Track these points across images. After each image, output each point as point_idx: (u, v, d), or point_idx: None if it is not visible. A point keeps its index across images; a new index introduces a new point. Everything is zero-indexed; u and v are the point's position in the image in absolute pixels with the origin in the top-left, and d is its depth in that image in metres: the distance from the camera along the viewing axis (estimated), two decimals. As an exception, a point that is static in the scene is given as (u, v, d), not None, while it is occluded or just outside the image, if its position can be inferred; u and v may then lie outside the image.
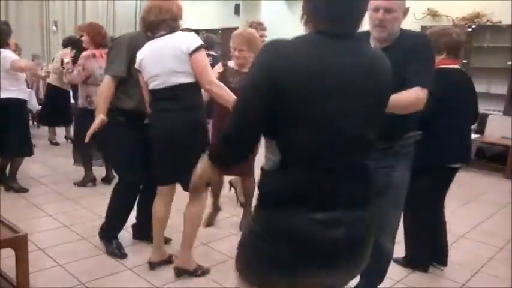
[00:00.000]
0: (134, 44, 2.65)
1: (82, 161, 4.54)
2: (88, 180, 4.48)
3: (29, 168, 4.79)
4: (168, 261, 2.80)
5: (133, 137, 2.80)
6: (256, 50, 3.21)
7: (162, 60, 2.39)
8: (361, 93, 1.23)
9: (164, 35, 2.45)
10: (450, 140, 2.59)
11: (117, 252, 2.96)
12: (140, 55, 2.49)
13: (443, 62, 2.61)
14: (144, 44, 2.52)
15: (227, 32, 10.58)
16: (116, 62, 2.73)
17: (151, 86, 2.48)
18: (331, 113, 1.20)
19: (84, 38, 4.28)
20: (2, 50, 4.03)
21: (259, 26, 4.24)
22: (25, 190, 4.19)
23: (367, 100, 1.25)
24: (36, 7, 10.93)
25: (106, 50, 4.00)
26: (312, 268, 1.26)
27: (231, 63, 3.32)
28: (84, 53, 4.19)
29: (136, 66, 2.52)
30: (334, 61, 1.22)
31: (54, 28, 10.93)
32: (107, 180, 4.57)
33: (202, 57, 2.39)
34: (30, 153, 4.28)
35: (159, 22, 2.44)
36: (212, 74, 2.47)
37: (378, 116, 1.31)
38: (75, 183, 4.45)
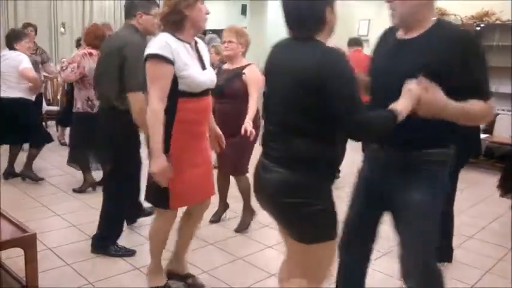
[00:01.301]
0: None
1: (80, 166, 4.36)
2: (88, 185, 4.30)
3: (38, 167, 4.82)
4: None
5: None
6: (245, 42, 3.26)
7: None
8: (282, 83, 1.65)
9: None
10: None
11: (123, 251, 2.98)
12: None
13: None
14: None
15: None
16: (142, 76, 2.45)
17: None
18: (267, 95, 1.77)
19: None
20: (19, 52, 4.33)
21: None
22: (41, 179, 4.49)
23: (286, 91, 1.64)
24: (44, 9, 11.01)
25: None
26: None
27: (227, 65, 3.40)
28: (80, 51, 4.13)
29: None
30: (281, 57, 1.70)
31: (62, 29, 11.01)
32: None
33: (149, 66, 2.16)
34: (50, 139, 4.65)
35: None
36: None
37: (297, 105, 1.61)
38: (74, 190, 4.26)
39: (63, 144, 6.39)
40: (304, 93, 1.57)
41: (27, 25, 5.86)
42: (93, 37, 4.06)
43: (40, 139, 4.55)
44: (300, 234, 1.70)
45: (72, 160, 4.37)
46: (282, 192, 1.66)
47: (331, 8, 1.63)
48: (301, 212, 1.64)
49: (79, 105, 4.11)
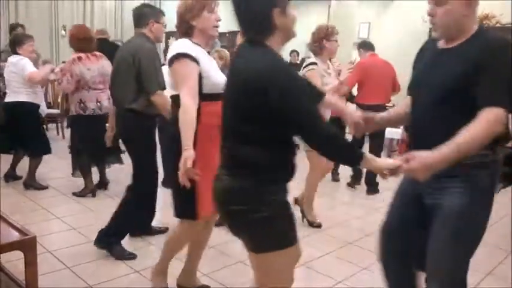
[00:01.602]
0: None
1: (81, 171, 4.30)
2: (88, 191, 4.25)
3: (38, 171, 4.82)
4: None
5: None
6: None
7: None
8: (231, 88, 1.64)
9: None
10: None
11: (126, 254, 2.97)
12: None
13: None
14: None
15: (234, 35, 10.62)
16: (160, 74, 2.89)
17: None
18: (223, 102, 1.69)
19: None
20: (21, 57, 4.25)
21: None
22: (44, 187, 4.39)
23: (233, 95, 1.61)
24: (45, 11, 11.04)
25: (94, 52, 4.07)
26: None
27: None
28: (69, 59, 4.05)
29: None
30: (234, 61, 1.68)
31: (63, 32, 11.02)
32: (101, 185, 4.45)
33: (179, 67, 2.24)
34: (48, 151, 4.47)
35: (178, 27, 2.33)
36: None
37: (242, 112, 1.56)
38: (74, 193, 4.25)
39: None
40: (245, 100, 1.53)
41: (16, 25, 5.85)
42: (77, 40, 4.02)
43: (38, 149, 4.42)
44: (250, 244, 1.65)
45: (76, 166, 4.37)
46: (227, 199, 1.63)
47: (281, 10, 1.53)
48: (247, 220, 1.58)
49: (72, 108, 4.09)
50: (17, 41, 4.43)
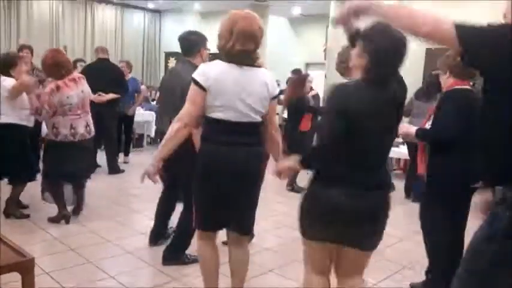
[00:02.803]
0: None
1: (53, 198, 3.97)
2: (61, 218, 3.94)
3: (35, 190, 4.80)
4: None
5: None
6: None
7: (248, 95, 2.16)
8: None
9: (245, 65, 2.17)
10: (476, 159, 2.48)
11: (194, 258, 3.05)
12: (212, 75, 2.12)
13: (455, 83, 2.60)
14: None
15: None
16: None
17: (221, 116, 2.15)
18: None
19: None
20: (3, 78, 3.84)
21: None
22: (26, 216, 4.04)
23: None
24: (46, 32, 11.18)
25: (73, 76, 3.86)
26: None
27: None
28: (47, 89, 3.82)
29: (204, 84, 2.12)
30: None
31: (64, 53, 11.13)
32: (77, 211, 4.15)
33: (276, 105, 2.41)
34: (32, 178, 4.12)
35: (248, 51, 2.17)
36: None
37: None
38: (49, 219, 3.95)
39: None
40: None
41: (22, 47, 5.85)
42: (49, 67, 3.83)
43: (21, 176, 4.02)
44: (371, 244, 2.06)
45: (45, 192, 4.01)
46: (380, 214, 1.99)
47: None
48: (383, 224, 2.01)
49: (46, 132, 3.97)
50: (8, 63, 3.97)
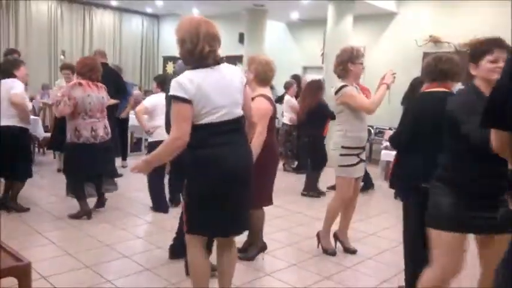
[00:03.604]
0: None
1: (75, 195, 4.29)
2: (83, 214, 4.22)
3: (34, 195, 4.80)
4: None
5: None
6: (254, 69, 3.13)
7: (229, 91, 2.23)
8: None
9: (213, 65, 2.24)
10: (425, 159, 2.47)
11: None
12: (193, 85, 2.14)
13: (426, 87, 2.67)
14: None
15: (232, 59, 10.76)
16: None
17: (212, 119, 2.18)
18: None
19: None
20: (11, 80, 4.17)
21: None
22: (26, 209, 4.34)
23: None
24: (44, 37, 11.18)
25: (96, 83, 4.22)
26: None
27: None
28: (70, 82, 4.17)
29: (188, 96, 2.12)
30: None
31: (62, 57, 11.13)
32: (100, 205, 4.50)
33: (248, 91, 2.47)
34: (28, 175, 4.43)
35: (214, 51, 2.24)
36: None
37: None
38: (69, 216, 4.23)
39: (59, 171, 6.35)
40: None
41: (11, 51, 5.88)
42: (81, 66, 4.19)
43: (20, 174, 4.35)
44: None
45: (69, 190, 4.34)
46: None
47: None
48: None
49: (68, 136, 4.15)
50: (15, 64, 4.36)
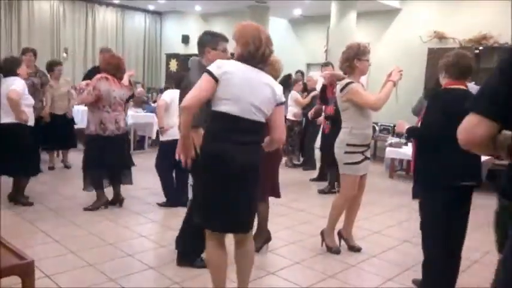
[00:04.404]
0: None
1: (94, 186, 4.47)
2: (101, 204, 4.47)
3: (36, 193, 4.79)
4: None
5: None
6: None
7: (256, 94, 2.28)
8: None
9: (260, 68, 2.35)
10: (459, 158, 2.48)
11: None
12: (227, 66, 2.27)
13: (448, 83, 2.65)
14: None
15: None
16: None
17: (230, 109, 2.25)
18: None
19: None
20: (13, 77, 4.26)
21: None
22: (30, 204, 4.49)
23: None
24: (47, 34, 11.18)
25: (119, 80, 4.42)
26: None
27: None
28: (98, 75, 4.35)
29: (216, 72, 2.24)
30: None
31: (65, 55, 11.14)
32: (116, 202, 4.61)
33: (283, 111, 2.47)
34: (35, 172, 4.57)
35: (269, 55, 2.38)
36: None
37: None
38: (85, 208, 4.40)
39: (50, 168, 6.33)
40: None
41: (26, 50, 5.95)
42: (107, 64, 4.40)
43: (24, 170, 4.45)
44: None
45: (88, 183, 4.47)
46: None
47: None
48: None
49: (92, 128, 4.31)
50: (15, 63, 4.42)
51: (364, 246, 3.75)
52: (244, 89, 2.25)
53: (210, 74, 2.24)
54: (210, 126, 2.33)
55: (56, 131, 6.00)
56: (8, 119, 4.21)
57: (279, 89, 2.38)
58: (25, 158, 4.37)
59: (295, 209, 4.92)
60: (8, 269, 1.95)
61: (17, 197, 4.51)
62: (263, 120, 2.33)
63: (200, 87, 2.25)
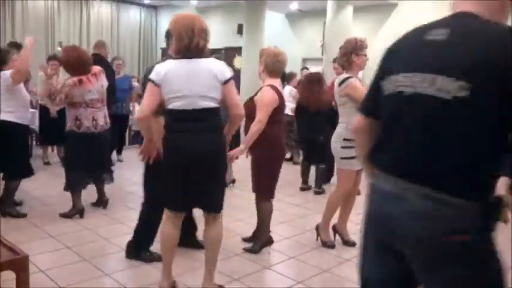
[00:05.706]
0: None
1: (70, 188, 4.06)
2: (75, 212, 4.04)
3: (30, 188, 4.77)
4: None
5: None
6: (263, 61, 3.32)
7: (195, 83, 2.40)
8: None
9: (197, 58, 2.44)
10: None
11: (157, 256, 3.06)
12: (163, 69, 2.42)
13: None
14: None
15: (230, 51, 10.70)
16: None
17: (176, 105, 2.42)
18: None
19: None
20: (3, 72, 3.85)
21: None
22: (23, 215, 4.02)
23: None
24: (41, 28, 11.10)
25: (94, 71, 4.02)
26: None
27: None
28: (69, 81, 3.94)
29: (156, 78, 2.41)
30: None
31: (59, 49, 11.04)
32: (100, 204, 4.38)
33: (234, 86, 2.56)
34: (29, 174, 4.16)
35: (204, 47, 2.46)
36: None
37: None
38: (61, 214, 4.04)
39: (46, 163, 6.31)
40: None
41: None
42: (72, 68, 3.94)
43: (15, 172, 4.03)
44: None
45: (67, 184, 4.11)
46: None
47: None
48: None
49: (68, 124, 4.02)
50: (3, 59, 4.03)
51: (358, 240, 3.75)
52: (182, 83, 2.38)
53: (152, 81, 2.42)
54: (165, 121, 2.52)
55: (54, 125, 5.96)
56: (4, 116, 3.85)
57: (219, 67, 2.46)
58: (19, 159, 4.06)
59: (291, 204, 4.93)
60: (2, 264, 1.95)
61: (6, 205, 4.00)
62: (213, 105, 2.44)
63: (147, 96, 2.44)
